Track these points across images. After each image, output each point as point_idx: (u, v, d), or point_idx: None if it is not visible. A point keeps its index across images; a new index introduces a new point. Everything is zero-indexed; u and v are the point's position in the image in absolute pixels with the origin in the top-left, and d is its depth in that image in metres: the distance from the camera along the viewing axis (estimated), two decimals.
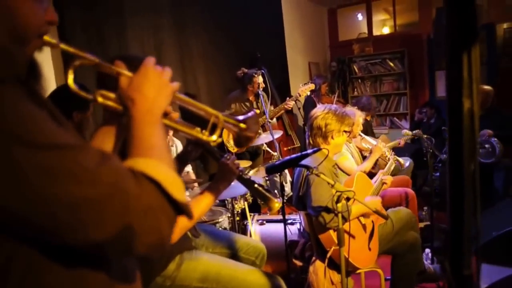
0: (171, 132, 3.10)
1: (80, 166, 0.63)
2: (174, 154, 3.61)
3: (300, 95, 4.28)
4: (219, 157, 1.66)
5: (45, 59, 2.67)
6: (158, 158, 0.77)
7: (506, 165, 4.15)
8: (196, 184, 3.29)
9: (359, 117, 3.49)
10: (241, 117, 1.03)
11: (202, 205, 1.60)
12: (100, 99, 0.90)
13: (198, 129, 0.98)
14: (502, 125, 4.21)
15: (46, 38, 0.79)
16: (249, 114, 1.07)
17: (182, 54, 4.19)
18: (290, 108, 4.31)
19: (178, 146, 3.58)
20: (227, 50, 4.85)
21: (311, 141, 2.44)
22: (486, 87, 4.38)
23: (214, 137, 0.98)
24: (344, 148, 3.26)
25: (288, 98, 4.29)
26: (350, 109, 3.49)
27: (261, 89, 4.07)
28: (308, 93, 4.45)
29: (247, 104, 4.20)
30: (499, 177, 4.19)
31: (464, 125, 0.63)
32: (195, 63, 4.38)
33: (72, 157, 0.63)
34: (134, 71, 1.34)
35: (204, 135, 0.98)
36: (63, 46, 0.83)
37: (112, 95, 0.90)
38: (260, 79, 4.13)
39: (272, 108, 4.33)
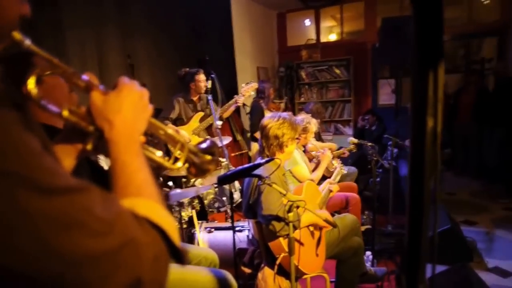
0: None
1: (90, 214, 0.55)
2: None
3: (243, 95, 4.25)
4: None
5: None
6: (153, 197, 0.72)
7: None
8: None
9: (313, 124, 3.52)
10: (204, 145, 0.98)
11: None
12: (65, 114, 0.78)
13: (161, 154, 0.91)
14: None
15: (17, 35, 0.66)
16: (208, 143, 1.00)
17: (125, 52, 4.02)
18: (240, 104, 4.25)
19: None
20: (175, 53, 4.76)
21: (266, 151, 2.44)
22: None
23: (179, 164, 0.92)
24: (299, 156, 3.28)
25: (235, 96, 4.24)
26: (305, 117, 3.52)
27: (204, 89, 3.99)
28: (252, 93, 4.43)
29: (191, 105, 4.12)
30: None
31: (427, 144, 0.64)
32: (140, 63, 4.24)
33: (81, 203, 0.55)
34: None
35: (168, 163, 0.91)
36: (33, 47, 0.70)
37: (82, 111, 0.80)
38: (202, 77, 4.07)
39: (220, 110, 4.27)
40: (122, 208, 0.63)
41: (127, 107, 0.78)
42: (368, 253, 3.41)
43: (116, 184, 0.72)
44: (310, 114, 4.14)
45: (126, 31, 4.02)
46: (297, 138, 3.23)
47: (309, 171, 3.34)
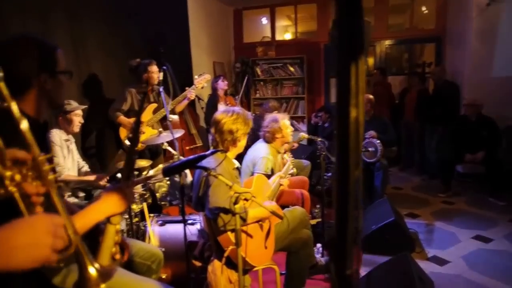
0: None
1: None
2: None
3: (196, 86, 4.23)
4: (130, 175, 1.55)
5: None
6: None
7: (383, 165, 4.63)
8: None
9: (283, 120, 3.53)
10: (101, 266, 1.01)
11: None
12: None
13: None
14: (383, 130, 4.73)
15: None
16: (109, 270, 1.05)
17: (74, 40, 3.87)
18: (192, 98, 4.24)
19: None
20: (128, 42, 4.63)
21: (220, 146, 2.44)
22: (370, 95, 4.90)
23: None
24: (271, 162, 3.31)
25: (187, 88, 4.21)
26: (272, 117, 3.53)
27: (156, 82, 3.94)
28: (205, 85, 4.42)
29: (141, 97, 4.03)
30: (378, 176, 4.66)
31: (351, 133, 0.66)
32: (90, 51, 4.09)
33: None
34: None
35: None
36: None
37: None
38: (155, 68, 4.01)
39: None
40: None
41: (24, 231, 0.74)
42: (319, 245, 3.52)
43: None
44: (270, 112, 4.20)
45: (74, 16, 3.85)
46: (276, 138, 3.28)
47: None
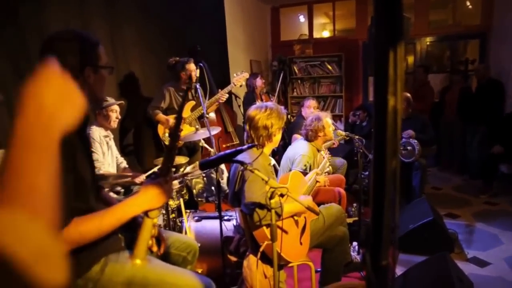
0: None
1: None
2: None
3: (235, 85, 4.26)
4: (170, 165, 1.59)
5: None
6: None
7: (422, 164, 4.50)
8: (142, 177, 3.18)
9: (325, 118, 3.53)
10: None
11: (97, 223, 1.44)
12: None
13: None
14: (421, 129, 4.61)
15: None
16: None
17: (113, 41, 3.95)
18: (223, 101, 4.27)
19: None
20: (166, 41, 4.69)
21: (256, 142, 2.44)
22: (407, 94, 4.77)
23: None
24: (310, 160, 3.30)
25: (219, 90, 4.23)
26: (313, 117, 3.53)
27: (194, 79, 3.99)
28: (243, 83, 4.44)
29: (181, 94, 4.10)
30: (416, 176, 4.53)
31: (389, 122, 0.64)
32: (128, 50, 4.18)
33: None
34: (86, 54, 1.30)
35: None
36: None
37: None
38: (193, 67, 4.04)
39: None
40: None
41: None
42: (355, 243, 3.48)
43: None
44: (311, 110, 4.22)
45: (114, 19, 3.95)
46: (319, 136, 3.28)
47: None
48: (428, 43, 7.40)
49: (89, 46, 1.52)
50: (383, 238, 0.67)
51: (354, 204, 4.18)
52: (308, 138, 3.52)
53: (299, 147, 3.47)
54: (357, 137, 3.47)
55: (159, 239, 1.79)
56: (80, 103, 0.69)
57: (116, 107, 3.35)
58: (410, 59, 7.59)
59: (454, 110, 6.11)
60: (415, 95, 5.08)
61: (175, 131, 1.56)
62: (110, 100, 3.36)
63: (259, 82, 5.64)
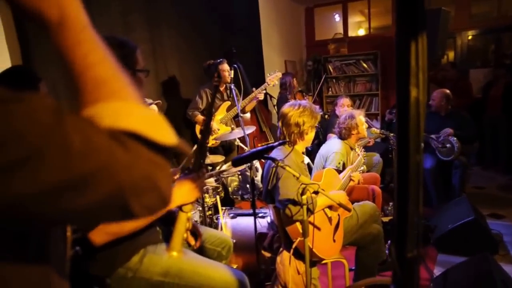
0: None
1: (36, 124, 0.45)
2: None
3: (268, 84, 4.31)
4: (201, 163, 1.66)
5: None
6: (121, 94, 0.60)
7: (462, 163, 4.36)
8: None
9: (359, 116, 3.52)
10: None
11: None
12: None
13: None
14: (461, 126, 4.46)
15: None
16: None
17: (153, 45, 4.11)
18: (261, 98, 4.33)
19: None
20: (202, 45, 4.83)
21: (287, 139, 2.47)
22: (446, 90, 4.62)
23: None
24: (343, 157, 3.31)
25: (254, 89, 4.29)
26: (346, 115, 3.53)
27: (228, 79, 4.07)
28: (277, 82, 4.48)
29: (217, 95, 4.20)
30: (456, 174, 4.40)
31: (411, 114, 0.64)
32: (167, 54, 4.32)
33: (21, 113, 0.45)
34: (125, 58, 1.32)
35: None
36: None
37: None
38: (225, 67, 4.11)
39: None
40: (88, 122, 0.53)
41: None
42: (390, 242, 3.42)
43: (77, 85, 0.58)
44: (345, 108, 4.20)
45: (153, 21, 4.09)
46: (352, 134, 3.29)
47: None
48: (470, 37, 7.13)
49: (129, 51, 1.61)
50: (408, 231, 0.67)
51: (390, 203, 4.12)
52: (341, 136, 3.51)
53: (332, 145, 3.46)
54: (392, 134, 3.42)
55: (195, 233, 1.86)
56: None
57: (154, 107, 3.46)
58: (450, 55, 7.35)
59: (499, 105, 5.85)
60: (453, 91, 4.92)
61: (206, 128, 1.62)
62: (148, 101, 3.47)
63: (292, 81, 5.66)
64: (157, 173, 0.57)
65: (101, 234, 1.47)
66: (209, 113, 1.63)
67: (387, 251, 3.21)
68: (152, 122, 0.59)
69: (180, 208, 1.59)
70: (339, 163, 3.27)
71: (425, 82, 0.64)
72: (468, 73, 6.78)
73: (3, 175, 0.43)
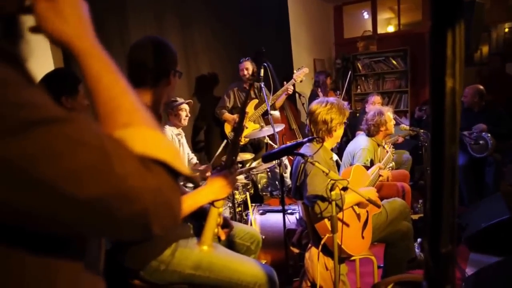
0: None
1: (79, 144, 0.53)
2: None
3: (295, 80, 4.32)
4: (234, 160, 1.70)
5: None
6: (146, 123, 0.65)
7: (496, 160, 4.23)
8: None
9: (387, 112, 3.50)
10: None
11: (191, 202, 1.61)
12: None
13: None
14: (496, 122, 4.32)
15: None
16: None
17: (185, 45, 4.20)
18: (291, 93, 4.38)
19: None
20: (231, 44, 4.89)
21: (316, 136, 2.48)
22: (479, 86, 4.48)
23: None
24: (370, 153, 3.29)
25: (284, 82, 4.32)
26: (375, 111, 3.50)
27: (246, 76, 4.18)
28: (304, 78, 4.49)
29: (243, 94, 4.30)
30: (490, 172, 4.27)
31: (446, 104, 0.63)
32: (198, 53, 4.42)
33: (65, 133, 0.53)
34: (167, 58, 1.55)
35: None
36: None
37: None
38: (246, 65, 4.22)
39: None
40: (129, 152, 0.59)
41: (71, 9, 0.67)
42: (420, 240, 3.37)
43: (101, 111, 0.64)
44: (375, 106, 4.17)
45: (185, 20, 4.19)
46: (380, 131, 3.27)
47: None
48: (506, 29, 6.88)
49: (173, 52, 1.69)
50: (442, 224, 0.64)
51: (420, 201, 4.05)
52: (369, 133, 3.47)
53: (359, 142, 3.44)
54: (422, 131, 3.36)
55: (227, 225, 1.91)
56: None
57: (185, 106, 3.53)
58: (485, 48, 7.12)
59: None
60: (491, 86, 4.74)
61: (239, 125, 1.66)
62: (179, 100, 3.55)
63: (326, 80, 5.66)
64: (173, 197, 0.64)
65: None
66: (242, 112, 1.68)
67: (416, 249, 3.17)
68: (171, 152, 0.65)
69: (212, 203, 1.64)
70: (367, 160, 3.26)
71: (462, 72, 0.63)
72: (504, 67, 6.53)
73: (52, 185, 0.50)
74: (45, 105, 0.53)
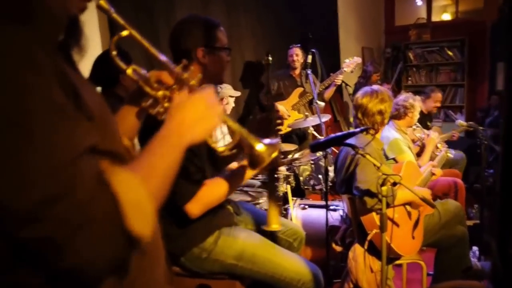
0: None
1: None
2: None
3: (345, 70, 4.20)
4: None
5: (91, 18, 2.69)
6: (147, 180, 0.70)
7: None
8: None
9: (418, 102, 3.31)
10: (266, 141, 1.06)
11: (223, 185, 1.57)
12: (129, 72, 0.92)
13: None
14: None
15: (103, 2, 0.82)
16: (273, 141, 1.09)
17: (231, 31, 4.16)
18: (339, 83, 4.28)
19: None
20: (278, 30, 4.82)
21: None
22: None
23: (222, 148, 1.03)
24: (403, 143, 3.11)
25: (332, 74, 4.22)
26: (407, 96, 3.32)
27: (295, 63, 4.13)
28: (354, 69, 4.34)
29: (290, 81, 4.25)
30: None
31: None
32: (244, 39, 4.41)
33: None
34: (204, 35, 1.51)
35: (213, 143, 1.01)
36: (115, 16, 0.85)
37: (142, 72, 0.93)
38: (296, 51, 4.15)
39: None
40: (87, 166, 0.60)
41: (191, 110, 0.84)
42: (475, 248, 3.15)
43: (135, 161, 0.76)
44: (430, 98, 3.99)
45: (231, 6, 4.18)
46: (407, 116, 3.14)
47: (413, 156, 3.14)
48: None
49: (205, 28, 1.61)
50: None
51: (475, 205, 3.80)
52: (397, 115, 3.25)
53: (385, 135, 3.20)
54: (481, 128, 3.12)
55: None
56: None
57: (230, 99, 3.33)
58: None
59: None
60: None
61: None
62: (229, 91, 3.34)
63: (373, 75, 5.47)
64: (102, 233, 0.62)
65: (198, 206, 1.50)
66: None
67: (472, 259, 2.93)
68: (138, 205, 0.66)
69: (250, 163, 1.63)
70: (405, 147, 3.07)
71: None
72: None
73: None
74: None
